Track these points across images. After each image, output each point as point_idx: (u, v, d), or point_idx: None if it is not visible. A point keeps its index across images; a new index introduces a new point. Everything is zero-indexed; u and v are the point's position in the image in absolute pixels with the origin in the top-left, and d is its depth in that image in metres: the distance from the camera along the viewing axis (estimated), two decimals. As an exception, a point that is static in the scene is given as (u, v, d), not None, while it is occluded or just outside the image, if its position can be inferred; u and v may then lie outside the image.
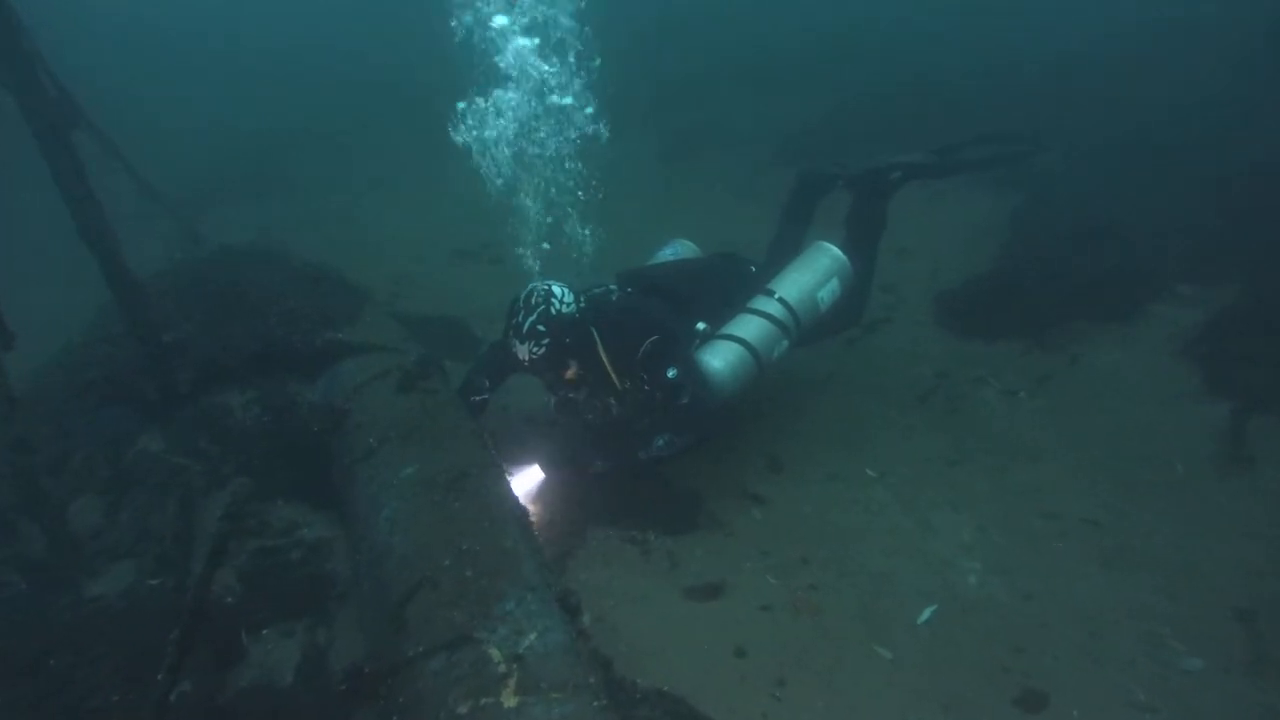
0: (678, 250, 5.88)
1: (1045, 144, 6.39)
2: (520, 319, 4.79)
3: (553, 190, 7.28)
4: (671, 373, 4.66)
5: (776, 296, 5.15)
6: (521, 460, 4.90)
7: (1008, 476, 5.03)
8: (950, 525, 4.70)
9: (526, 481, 4.85)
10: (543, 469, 4.89)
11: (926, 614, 4.12)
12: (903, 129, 10.18)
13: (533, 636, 3.13)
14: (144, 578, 4.29)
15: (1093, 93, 10.23)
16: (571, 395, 5.05)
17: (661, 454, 4.77)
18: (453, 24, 6.91)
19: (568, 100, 6.95)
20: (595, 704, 2.89)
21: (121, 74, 17.13)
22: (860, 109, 11.77)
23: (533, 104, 6.90)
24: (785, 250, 5.60)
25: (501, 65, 6.79)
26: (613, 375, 4.85)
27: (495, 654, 3.06)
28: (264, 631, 4.06)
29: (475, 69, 6.97)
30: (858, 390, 5.96)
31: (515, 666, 3.01)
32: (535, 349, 4.77)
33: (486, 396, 5.24)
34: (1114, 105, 9.83)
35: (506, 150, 6.96)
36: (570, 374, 4.91)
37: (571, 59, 7.02)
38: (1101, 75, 10.66)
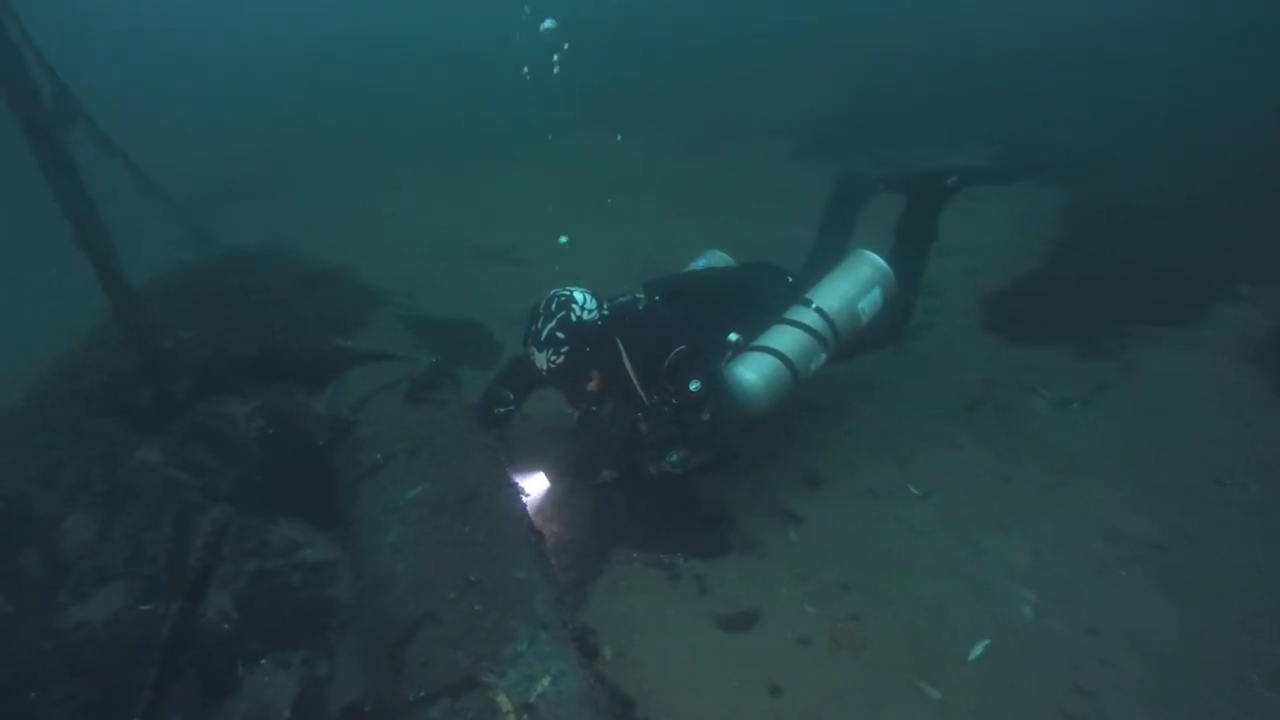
0: (711, 260, 5.55)
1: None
2: (539, 325, 4.52)
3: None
4: (694, 385, 4.32)
5: (814, 306, 4.83)
6: (529, 469, 4.61)
7: (1063, 494, 4.65)
8: (1002, 549, 4.33)
9: (532, 490, 4.56)
10: (548, 478, 4.60)
11: (979, 649, 3.76)
12: (929, 115, 9.94)
13: (545, 682, 2.82)
14: (134, 602, 4.01)
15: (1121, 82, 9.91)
16: (595, 409, 4.75)
17: (673, 471, 4.42)
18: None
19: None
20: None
21: (138, 76, 17.13)
22: (883, 98, 11.50)
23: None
24: (825, 262, 5.26)
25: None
26: (638, 387, 4.54)
27: (503, 701, 2.75)
28: (261, 661, 3.77)
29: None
30: (899, 399, 5.59)
31: (525, 717, 2.70)
32: (554, 357, 4.48)
33: (512, 408, 4.96)
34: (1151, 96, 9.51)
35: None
36: (593, 385, 4.62)
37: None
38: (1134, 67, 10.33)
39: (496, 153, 12.18)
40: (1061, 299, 6.36)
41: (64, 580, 4.24)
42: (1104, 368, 5.62)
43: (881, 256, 5.06)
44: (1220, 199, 7.09)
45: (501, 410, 4.89)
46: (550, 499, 4.66)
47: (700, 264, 5.54)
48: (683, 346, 4.41)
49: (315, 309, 5.38)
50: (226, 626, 3.87)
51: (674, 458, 4.40)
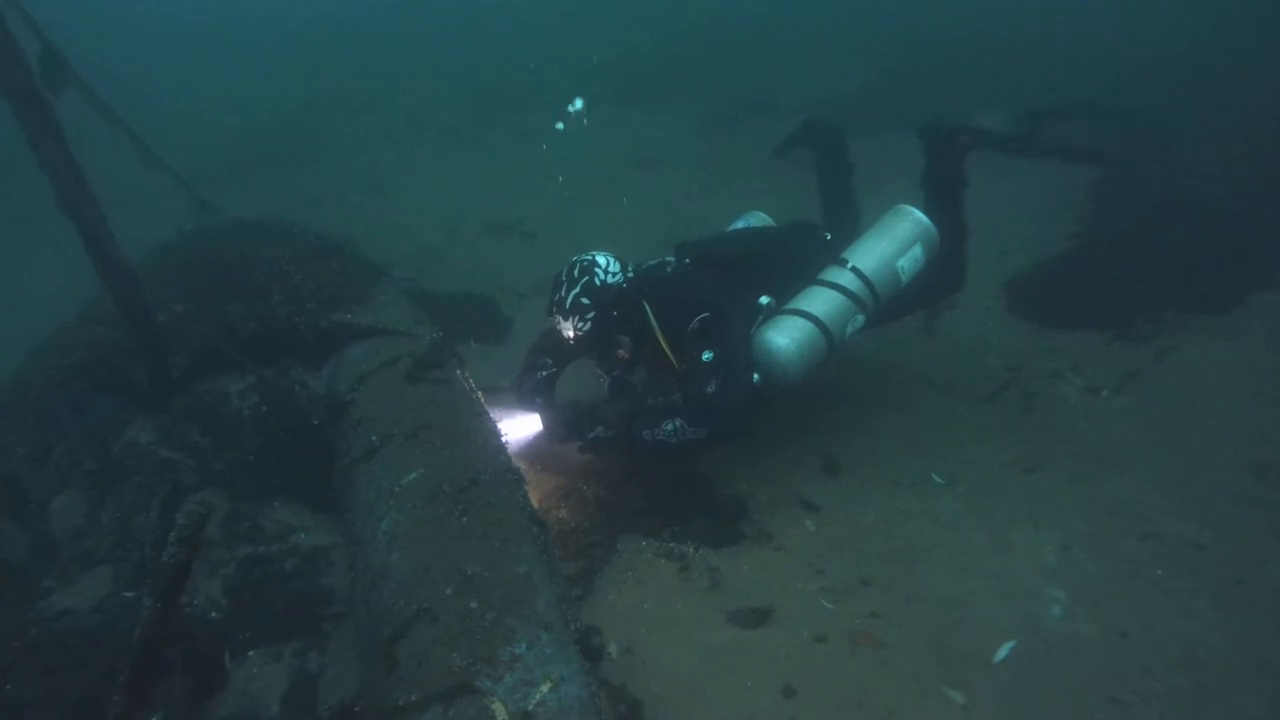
0: (750, 222, 5.38)
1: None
2: (563, 293, 4.40)
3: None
4: (706, 355, 4.17)
5: (850, 266, 4.61)
6: (526, 410, 4.57)
7: (1093, 488, 4.41)
8: (1030, 544, 4.11)
9: (522, 428, 4.52)
10: (543, 421, 4.52)
11: (1004, 651, 3.55)
12: (961, 90, 9.69)
13: (545, 689, 2.63)
14: (120, 588, 3.84)
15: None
16: (627, 376, 4.64)
17: (666, 441, 4.23)
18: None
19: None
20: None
21: (157, 51, 16.96)
22: (906, 73, 11.27)
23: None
24: (841, 211, 5.07)
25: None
26: (669, 354, 4.39)
27: (499, 709, 2.56)
28: (250, 653, 3.61)
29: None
30: (921, 384, 5.35)
31: (523, 727, 2.51)
32: (581, 324, 4.38)
33: (554, 369, 4.80)
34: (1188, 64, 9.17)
35: None
36: (623, 353, 4.50)
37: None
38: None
39: (513, 126, 11.93)
40: (1091, 282, 6.10)
41: (50, 564, 4.09)
42: (1136, 354, 5.37)
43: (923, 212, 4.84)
44: (1259, 177, 6.80)
45: (544, 374, 4.75)
46: (536, 443, 4.58)
47: (739, 225, 5.38)
48: (707, 314, 4.26)
49: (316, 282, 5.16)
50: (215, 616, 3.71)
51: (670, 427, 4.22)
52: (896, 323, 5.08)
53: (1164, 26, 10.19)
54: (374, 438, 3.88)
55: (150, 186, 7.80)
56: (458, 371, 4.35)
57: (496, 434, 3.96)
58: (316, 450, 4.31)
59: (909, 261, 4.72)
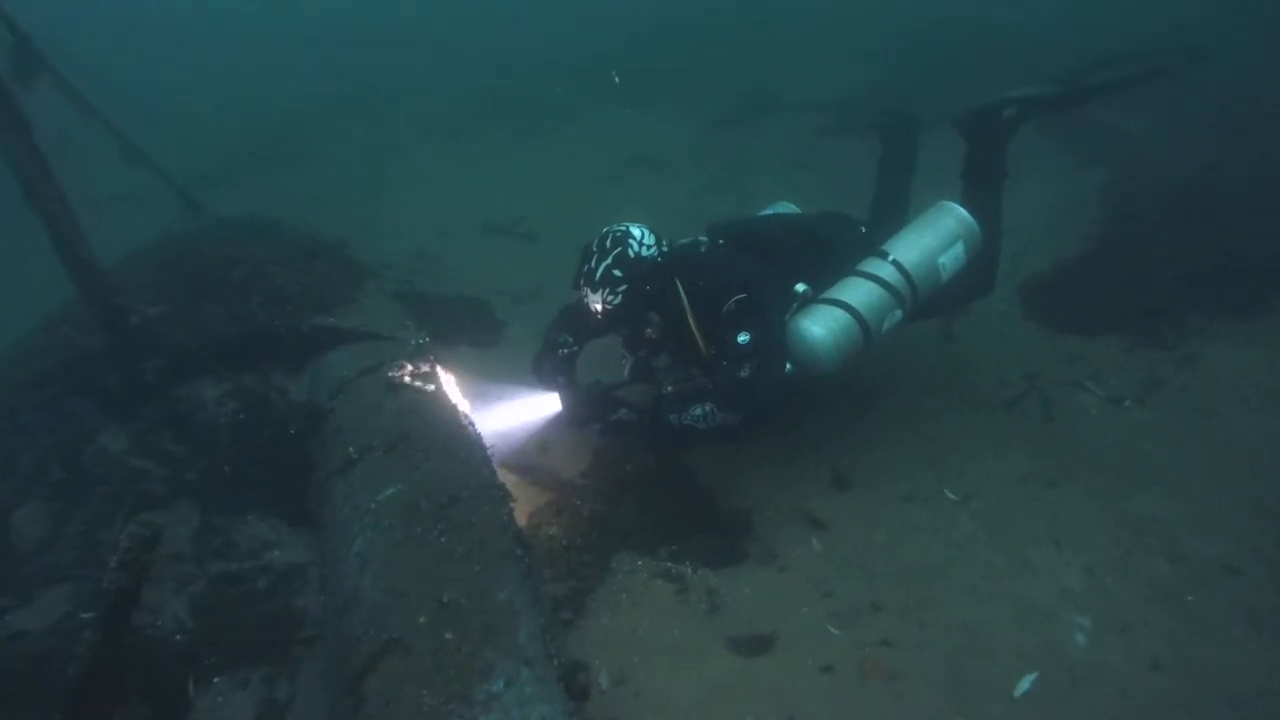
0: (779, 210, 5.19)
1: (1201, 54, 5.39)
2: (593, 264, 4.15)
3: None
4: (742, 338, 3.96)
5: (891, 259, 4.41)
6: (546, 389, 4.39)
7: (1118, 504, 4.16)
8: (1051, 565, 3.85)
9: (541, 407, 4.34)
10: (562, 401, 4.33)
11: (1026, 684, 3.31)
12: (969, 86, 9.44)
13: (524, 732, 2.38)
14: (80, 607, 3.60)
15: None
16: (651, 358, 4.43)
17: (695, 425, 4.04)
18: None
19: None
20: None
21: (157, 49, 16.83)
22: (911, 69, 11.13)
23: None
24: (890, 208, 4.95)
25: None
26: (698, 336, 4.17)
27: (473, 755, 2.32)
28: (216, 679, 3.36)
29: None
30: (934, 393, 5.09)
31: (498, 775, 2.27)
32: (610, 297, 4.12)
33: (575, 348, 4.58)
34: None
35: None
36: (651, 332, 4.28)
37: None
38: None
39: (513, 127, 11.70)
40: (1110, 285, 5.84)
41: (9, 581, 3.85)
42: (1159, 362, 5.11)
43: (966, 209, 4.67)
44: (1266, 170, 6.57)
45: (565, 352, 4.53)
46: (555, 426, 4.41)
47: (768, 213, 5.19)
48: (742, 295, 4.05)
49: (301, 284, 4.95)
50: (180, 638, 3.47)
51: (699, 411, 4.03)
52: (910, 326, 4.84)
53: (1162, 24, 9.96)
54: (351, 449, 3.63)
55: (147, 183, 7.58)
56: (443, 378, 4.10)
57: (481, 446, 3.70)
58: (295, 461, 4.07)
59: (950, 259, 4.55)
